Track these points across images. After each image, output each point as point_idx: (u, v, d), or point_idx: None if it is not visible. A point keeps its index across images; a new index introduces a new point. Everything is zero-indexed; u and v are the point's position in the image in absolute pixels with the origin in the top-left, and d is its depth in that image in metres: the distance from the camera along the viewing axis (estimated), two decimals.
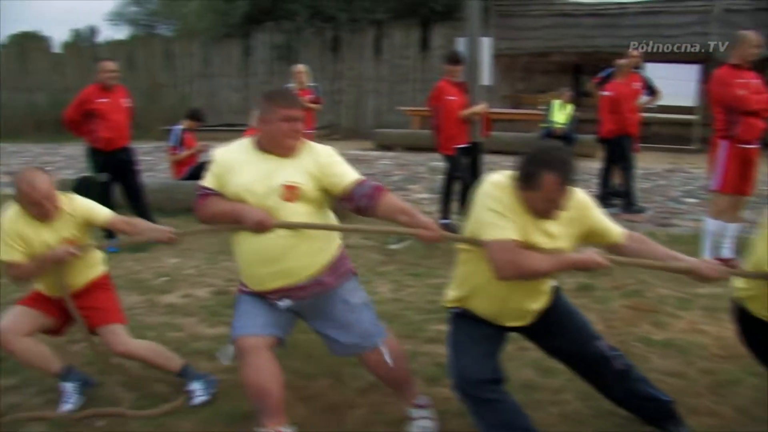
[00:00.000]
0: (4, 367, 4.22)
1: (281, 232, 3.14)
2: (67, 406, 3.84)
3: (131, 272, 6.46)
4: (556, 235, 3.03)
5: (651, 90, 9.29)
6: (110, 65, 7.20)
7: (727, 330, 4.87)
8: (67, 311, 3.87)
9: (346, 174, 3.25)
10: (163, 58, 20.77)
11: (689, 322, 5.09)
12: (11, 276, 3.79)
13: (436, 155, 10.31)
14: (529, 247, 2.95)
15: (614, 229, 3.19)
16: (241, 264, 3.31)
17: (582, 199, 3.11)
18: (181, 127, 9.02)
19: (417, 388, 3.65)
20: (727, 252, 6.37)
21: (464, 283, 3.26)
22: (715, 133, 6.18)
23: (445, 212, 7.62)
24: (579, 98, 14.87)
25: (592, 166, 11.34)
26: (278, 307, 3.29)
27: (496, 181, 3.01)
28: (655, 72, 10.35)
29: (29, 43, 22.74)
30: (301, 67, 9.87)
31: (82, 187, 8.91)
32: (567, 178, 2.86)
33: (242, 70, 19.91)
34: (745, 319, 3.27)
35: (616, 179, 9.09)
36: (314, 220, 3.23)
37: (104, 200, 7.32)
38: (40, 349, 3.88)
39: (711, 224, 6.44)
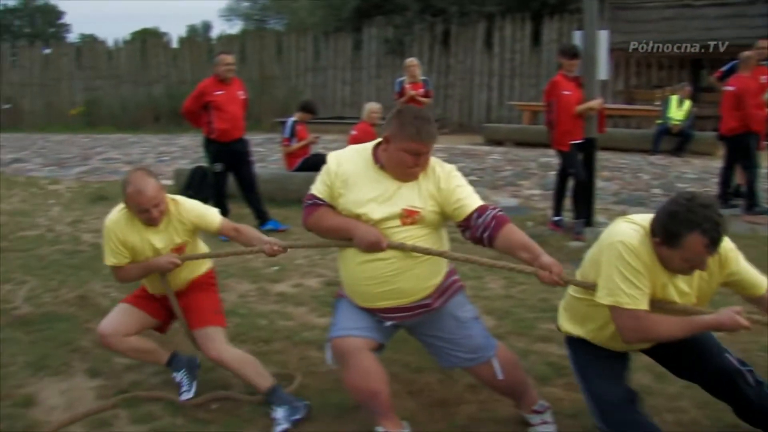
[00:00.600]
0: None
1: (394, 253, 3.02)
2: (187, 396, 3.86)
3: (243, 260, 6.60)
4: (690, 292, 2.85)
5: None
6: (228, 58, 7.37)
7: None
8: (170, 309, 3.89)
9: (468, 201, 3.05)
10: (274, 51, 21.18)
11: None
12: (117, 278, 3.86)
13: (547, 151, 10.15)
14: (661, 301, 2.81)
15: (760, 281, 2.91)
16: (348, 279, 3.21)
17: (725, 251, 2.84)
18: (293, 119, 9.15)
19: (535, 393, 3.53)
20: None
21: (584, 321, 3.10)
22: None
23: (557, 209, 7.46)
24: (698, 94, 14.28)
25: (711, 164, 10.90)
26: (382, 323, 3.20)
27: (631, 245, 2.75)
28: None
29: (149, 38, 23.65)
30: (413, 61, 9.90)
31: (197, 177, 9.23)
32: (715, 241, 2.63)
33: (352, 64, 20.09)
34: None
35: (738, 179, 8.66)
36: (430, 241, 3.08)
37: (218, 190, 7.58)
38: (144, 347, 3.88)
39: None
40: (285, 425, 3.49)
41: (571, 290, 3.16)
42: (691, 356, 3.10)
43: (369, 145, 3.16)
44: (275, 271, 6.23)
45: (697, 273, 2.81)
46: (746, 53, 8.28)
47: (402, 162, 2.97)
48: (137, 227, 3.67)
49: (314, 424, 3.54)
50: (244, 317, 5.07)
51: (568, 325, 3.20)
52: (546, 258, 2.88)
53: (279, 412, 3.54)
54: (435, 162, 3.11)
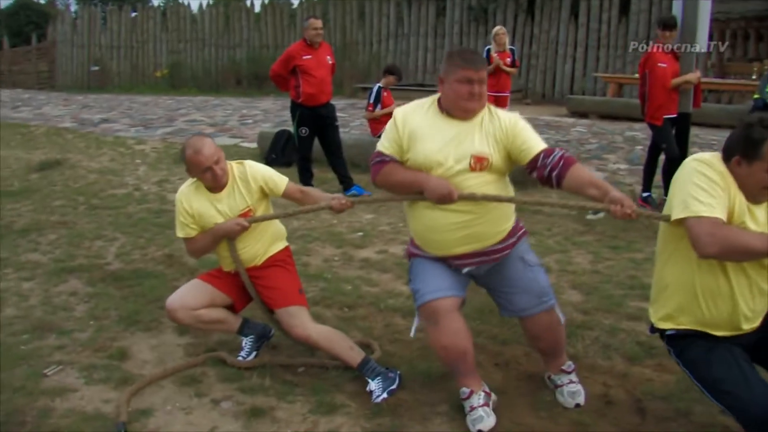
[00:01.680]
0: None
1: (467, 201, 3.03)
2: (239, 357, 3.91)
3: (327, 225, 6.64)
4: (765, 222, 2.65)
5: None
6: (317, 23, 7.37)
7: None
8: (245, 289, 3.83)
9: (534, 142, 3.07)
10: (357, 17, 21.13)
11: None
12: (188, 251, 3.86)
13: (633, 124, 9.89)
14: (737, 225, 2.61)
15: None
16: (422, 230, 3.21)
17: None
18: (379, 84, 9.11)
19: (566, 355, 3.52)
20: None
21: (677, 290, 2.81)
22: None
23: (646, 184, 7.21)
24: None
25: None
26: (459, 271, 3.20)
27: (704, 158, 2.65)
28: None
29: (232, 2, 23.85)
30: (502, 29, 9.77)
31: (281, 140, 9.32)
32: None
33: (435, 31, 19.88)
34: None
35: None
36: (498, 188, 3.11)
37: (303, 154, 7.63)
38: (212, 317, 3.81)
39: None
40: (383, 395, 3.46)
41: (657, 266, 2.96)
42: None
43: (433, 97, 3.19)
44: (360, 237, 6.25)
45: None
46: None
47: (458, 95, 3.01)
48: (204, 195, 3.67)
49: (402, 393, 3.52)
50: (329, 282, 5.10)
51: (662, 317, 2.90)
52: (616, 193, 2.86)
53: (373, 384, 3.51)
54: (498, 110, 3.16)
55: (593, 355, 3.96)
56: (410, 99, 3.41)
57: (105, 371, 3.83)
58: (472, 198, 3.02)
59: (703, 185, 2.58)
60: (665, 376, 3.68)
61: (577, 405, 3.35)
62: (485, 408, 3.20)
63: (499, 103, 9.65)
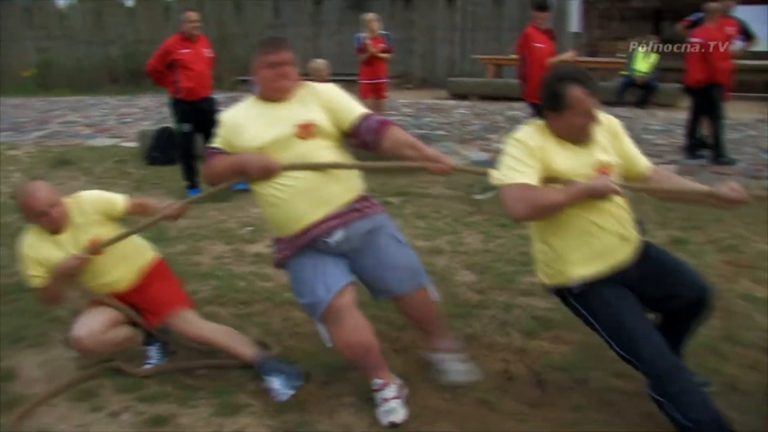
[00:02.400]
0: None
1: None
2: (148, 366, 3.82)
3: (216, 221, 6.51)
4: (591, 158, 2.92)
5: (747, 35, 8.84)
6: (193, 15, 7.19)
7: None
8: (134, 304, 3.80)
9: (353, 108, 3.25)
10: (233, 8, 20.73)
11: None
12: (44, 301, 3.79)
13: (513, 104, 10.13)
14: (560, 179, 2.87)
15: (643, 160, 3.10)
16: (273, 212, 3.22)
17: (612, 122, 3.06)
18: None
19: (448, 332, 3.62)
20: None
21: (552, 239, 3.03)
22: None
23: None
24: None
25: (676, 116, 10.99)
26: (329, 246, 3.17)
27: (524, 128, 2.96)
28: (749, 15, 9.84)
29: None
30: (371, 16, 9.67)
31: (163, 138, 9.05)
32: (590, 87, 2.82)
33: (312, 20, 19.76)
34: None
35: (704, 130, 8.73)
36: (333, 156, 3.19)
37: (186, 151, 7.42)
38: (122, 335, 3.78)
39: None
40: (288, 392, 3.43)
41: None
42: (668, 277, 3.09)
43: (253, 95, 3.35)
44: (249, 231, 6.16)
45: (597, 141, 2.94)
46: (712, 4, 8.27)
47: (267, 79, 3.18)
48: (47, 239, 3.60)
49: (307, 386, 3.51)
50: (222, 279, 5.01)
51: (549, 272, 3.11)
52: (431, 151, 3.07)
53: (275, 383, 3.47)
54: (315, 83, 3.32)
55: (491, 333, 4.06)
56: None
57: None
58: (295, 167, 3.09)
59: (516, 154, 2.86)
60: (562, 348, 3.82)
61: (456, 383, 3.45)
62: (398, 400, 3.23)
63: (378, 90, 9.63)
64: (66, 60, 21.06)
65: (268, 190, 3.16)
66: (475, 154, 8.90)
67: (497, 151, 8.81)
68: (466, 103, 13.58)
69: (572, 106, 2.81)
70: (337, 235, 3.16)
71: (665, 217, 6.21)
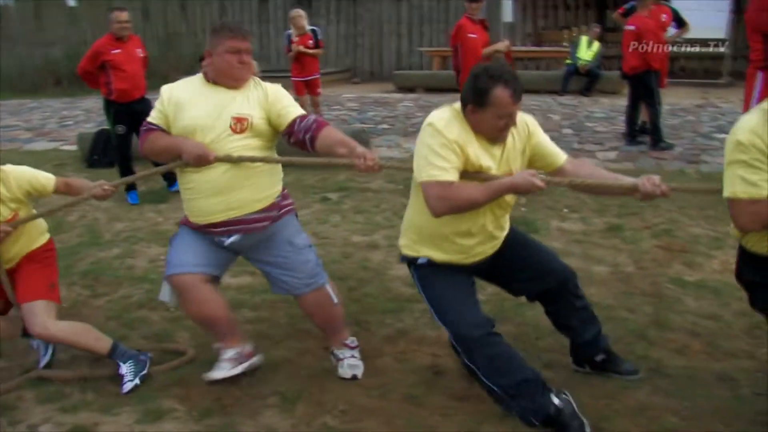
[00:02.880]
0: None
1: (230, 165, 3.15)
2: (45, 359, 3.81)
3: (153, 224, 6.41)
4: (505, 158, 2.98)
5: (679, 22, 8.97)
6: (122, 15, 7.04)
7: None
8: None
9: (293, 108, 3.27)
10: (178, 7, 20.46)
11: (722, 262, 4.96)
12: None
13: (458, 96, 10.10)
14: (478, 172, 2.90)
15: (559, 153, 3.13)
16: (188, 196, 3.31)
17: (527, 121, 3.05)
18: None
19: (348, 330, 3.67)
20: None
21: (422, 229, 3.13)
22: (751, 63, 5.87)
23: None
24: (604, 34, 14.47)
25: (619, 103, 11.11)
26: (222, 244, 3.30)
27: (438, 120, 2.89)
28: (682, 3, 10.00)
29: None
30: (298, 12, 9.53)
31: (101, 141, 8.87)
32: (517, 91, 2.81)
33: (259, 18, 19.58)
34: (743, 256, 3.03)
35: (643, 116, 8.84)
36: (263, 154, 3.25)
37: (122, 153, 7.28)
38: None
39: None
40: (133, 382, 3.52)
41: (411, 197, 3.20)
42: (533, 263, 3.27)
43: (199, 74, 3.35)
44: None
45: (508, 145, 2.96)
46: None
47: (229, 64, 3.17)
48: None
49: (231, 388, 3.46)
50: (155, 283, 4.91)
51: (410, 247, 3.20)
52: (360, 149, 3.07)
53: (124, 368, 3.56)
54: (263, 82, 3.35)
55: (422, 327, 4.05)
56: None
57: None
58: (229, 160, 3.12)
59: (437, 148, 2.83)
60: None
61: (354, 376, 3.50)
62: (231, 362, 3.42)
63: (312, 86, 9.52)
64: (6, 62, 20.59)
65: (189, 178, 3.23)
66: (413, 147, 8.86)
67: None
68: (412, 95, 13.55)
69: (495, 105, 2.79)
70: (233, 238, 3.29)
71: (602, 204, 6.28)
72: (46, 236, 3.82)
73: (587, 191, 3.33)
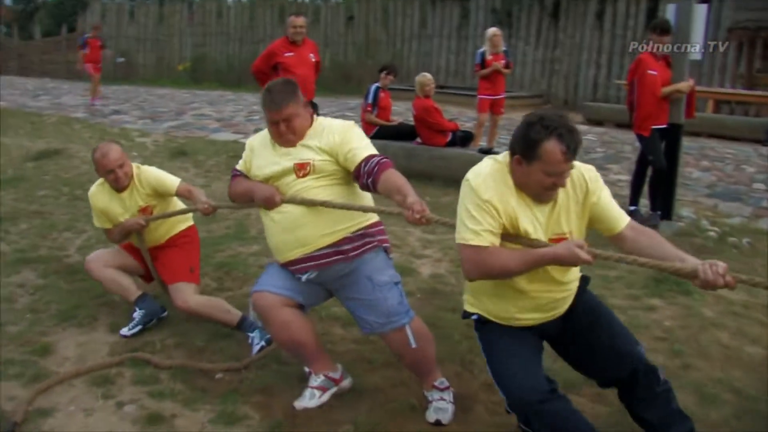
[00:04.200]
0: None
1: (292, 206, 3.25)
2: (125, 330, 4.20)
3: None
4: (555, 219, 2.69)
5: None
6: (298, 20, 7.24)
7: None
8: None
9: (361, 149, 3.23)
10: (380, 15, 20.96)
11: None
12: (108, 239, 4.50)
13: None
14: (518, 236, 2.66)
15: (621, 216, 2.76)
16: (267, 237, 3.44)
17: (586, 176, 2.72)
18: (377, 84, 8.93)
19: (439, 372, 3.48)
20: None
21: (479, 287, 2.90)
22: None
23: (633, 197, 6.89)
24: None
25: None
26: (300, 280, 3.34)
27: (477, 176, 2.67)
28: None
29: None
30: (496, 31, 9.47)
31: None
32: (571, 147, 2.51)
33: (458, 33, 19.64)
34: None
35: None
36: (332, 192, 3.26)
37: None
38: (120, 279, 4.34)
39: None
40: (261, 343, 3.95)
41: None
42: (598, 340, 2.89)
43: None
44: None
45: (559, 203, 2.68)
46: None
47: (274, 134, 3.30)
48: (109, 194, 4.25)
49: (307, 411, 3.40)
50: None
51: (469, 301, 3.01)
52: (411, 198, 2.95)
53: (253, 335, 4.01)
54: (332, 120, 3.40)
55: None
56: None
57: (21, 366, 3.76)
58: (294, 201, 3.23)
59: (472, 210, 2.63)
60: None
61: (438, 422, 3.31)
62: (316, 390, 3.46)
63: (496, 105, 9.45)
64: (218, 56, 22.02)
65: (264, 220, 3.41)
66: None
67: (613, 183, 8.42)
68: (598, 129, 13.00)
69: (544, 160, 2.52)
70: (309, 275, 3.31)
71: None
72: (188, 222, 4.51)
73: (642, 266, 2.79)
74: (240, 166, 3.50)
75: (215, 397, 3.48)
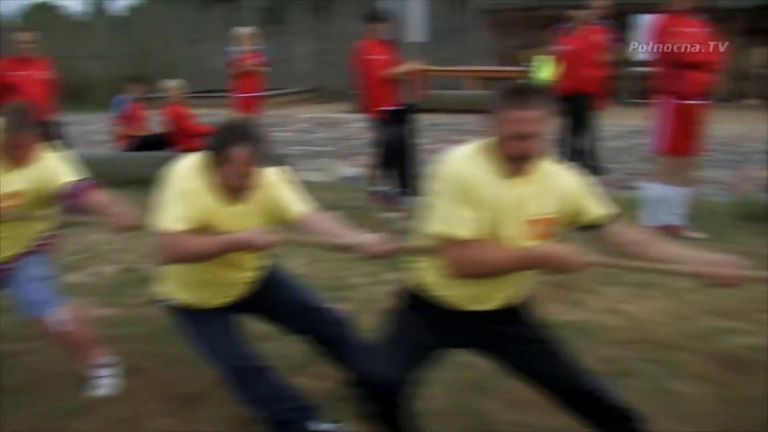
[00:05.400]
0: None
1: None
2: None
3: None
4: (243, 214, 2.96)
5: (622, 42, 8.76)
6: (25, 36, 6.90)
7: (646, 309, 4.56)
8: None
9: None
10: (157, 23, 20.44)
11: (608, 299, 4.70)
12: None
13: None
14: (209, 229, 2.88)
15: (297, 206, 3.06)
16: None
17: (270, 175, 3.05)
18: (126, 96, 8.72)
19: (101, 351, 3.73)
20: (672, 218, 5.94)
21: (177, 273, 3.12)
22: (655, 88, 5.76)
23: (376, 179, 7.28)
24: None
25: None
26: None
27: (186, 165, 2.94)
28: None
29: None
30: (245, 30, 9.41)
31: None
32: (256, 149, 2.83)
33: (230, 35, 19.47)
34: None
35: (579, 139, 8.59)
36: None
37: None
38: None
39: (652, 189, 6.05)
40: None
41: None
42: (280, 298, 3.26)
43: None
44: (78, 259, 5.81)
45: (253, 197, 2.96)
46: (577, 12, 8.19)
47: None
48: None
49: None
50: None
51: (163, 289, 3.22)
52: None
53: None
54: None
55: None
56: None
57: None
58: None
59: (172, 195, 2.85)
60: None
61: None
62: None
63: (252, 104, 9.21)
64: None
65: None
66: (346, 170, 8.71)
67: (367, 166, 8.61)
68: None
69: (232, 163, 2.80)
70: None
71: None
72: None
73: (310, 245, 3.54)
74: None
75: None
